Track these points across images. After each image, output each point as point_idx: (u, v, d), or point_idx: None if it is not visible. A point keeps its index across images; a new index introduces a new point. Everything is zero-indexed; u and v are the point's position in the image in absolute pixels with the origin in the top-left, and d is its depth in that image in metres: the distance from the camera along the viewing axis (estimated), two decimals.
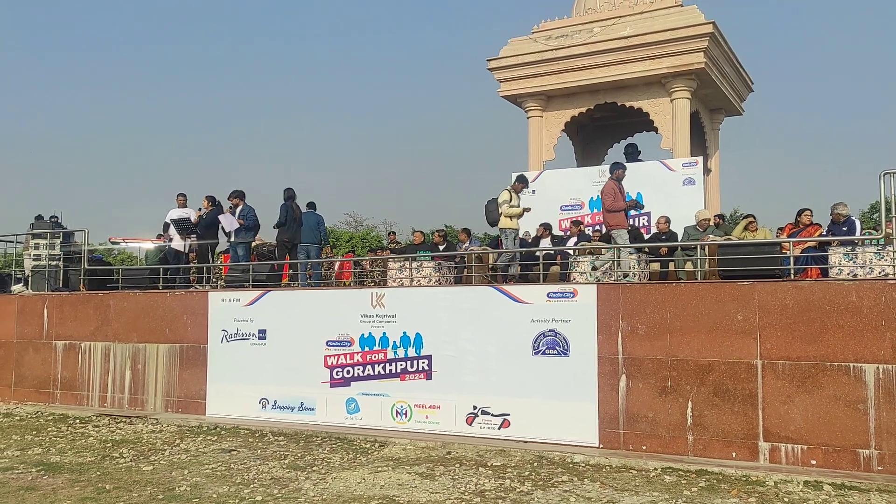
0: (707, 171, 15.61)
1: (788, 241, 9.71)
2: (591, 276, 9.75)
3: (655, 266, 11.03)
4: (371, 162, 71.55)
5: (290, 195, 12.58)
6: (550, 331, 9.13)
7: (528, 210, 11.62)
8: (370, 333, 10.23)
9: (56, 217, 14.21)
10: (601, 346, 8.83)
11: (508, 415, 9.28)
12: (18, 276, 14.21)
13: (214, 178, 68.18)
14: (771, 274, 8.78)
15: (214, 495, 6.64)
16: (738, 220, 12.22)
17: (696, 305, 8.42)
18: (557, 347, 9.08)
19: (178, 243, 13.37)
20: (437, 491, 6.78)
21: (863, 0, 68.97)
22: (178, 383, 11.53)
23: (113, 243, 25.36)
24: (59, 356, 12.54)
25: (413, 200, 65.55)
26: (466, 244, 13.84)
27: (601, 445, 8.69)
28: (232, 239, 12.60)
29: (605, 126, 17.28)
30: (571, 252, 10.86)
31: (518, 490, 6.83)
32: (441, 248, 13.63)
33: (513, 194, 11.29)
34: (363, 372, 10.24)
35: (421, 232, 15.51)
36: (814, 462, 7.71)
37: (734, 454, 8.06)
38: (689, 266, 10.89)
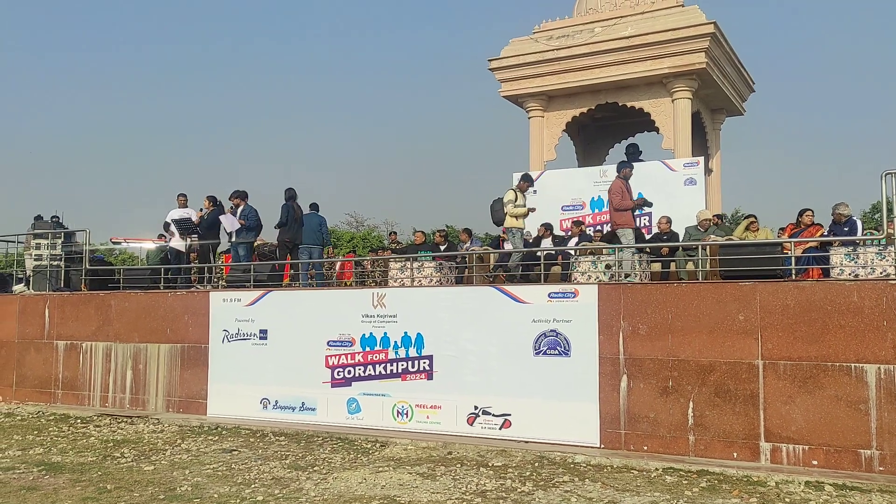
0: (708, 171, 15.62)
1: (790, 242, 9.70)
2: (604, 275, 9.67)
3: (657, 266, 11.03)
4: (371, 162, 71.64)
5: (291, 195, 12.59)
6: (552, 331, 9.13)
7: (532, 210, 11.62)
8: (371, 333, 10.23)
9: (57, 217, 14.23)
10: (602, 346, 8.83)
11: (509, 415, 9.28)
12: (20, 276, 14.22)
13: (215, 178, 68.27)
14: (772, 274, 8.77)
15: (215, 495, 6.64)
16: (740, 221, 12.21)
17: (697, 305, 8.41)
18: (558, 347, 9.08)
19: (177, 242, 13.38)
20: (439, 491, 6.78)
21: (863, 0, 68.96)
22: (180, 383, 11.54)
23: (114, 243, 25.37)
24: (61, 356, 12.55)
25: (414, 201, 65.61)
26: (467, 244, 13.85)
27: (602, 446, 8.69)
28: (233, 239, 12.60)
29: (606, 126, 17.29)
30: (572, 252, 10.86)
31: (519, 490, 6.83)
32: (442, 248, 13.63)
33: (518, 194, 11.27)
34: (364, 372, 10.24)
35: (422, 232, 15.53)
36: (815, 462, 7.71)
37: (735, 454, 8.05)
38: (690, 266, 10.88)
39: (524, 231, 11.81)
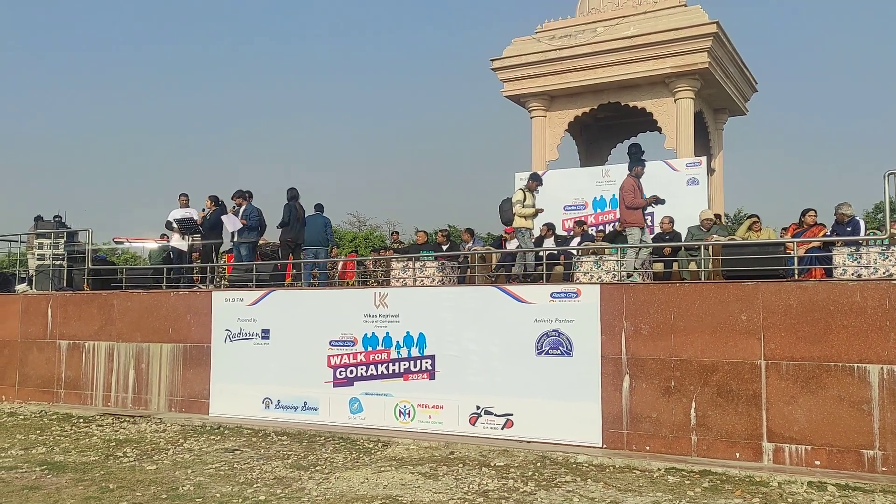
0: (711, 171, 15.60)
1: (792, 242, 9.69)
2: (615, 272, 9.61)
3: (659, 266, 11.01)
4: (372, 162, 71.67)
5: (293, 195, 12.61)
6: (554, 331, 9.12)
7: (541, 211, 11.54)
8: (373, 333, 10.23)
9: (60, 217, 14.26)
10: (605, 346, 8.82)
11: (512, 415, 9.28)
12: (22, 275, 14.25)
13: (215, 178, 68.36)
14: (775, 274, 8.75)
15: (218, 495, 6.64)
16: (742, 221, 12.19)
17: (699, 305, 8.40)
18: (561, 347, 9.07)
19: (177, 242, 13.39)
20: (441, 491, 6.78)
21: (863, 0, 68.85)
22: (182, 383, 11.55)
23: (117, 243, 25.44)
24: (63, 356, 12.57)
25: (415, 200, 65.66)
26: (470, 244, 13.85)
27: (604, 446, 8.68)
28: (235, 239, 12.61)
29: (608, 126, 17.28)
30: (575, 252, 10.84)
31: (521, 490, 6.82)
32: (444, 247, 13.62)
33: (527, 193, 11.16)
34: (366, 372, 10.24)
35: (424, 232, 15.54)
36: (818, 463, 7.69)
37: (738, 455, 8.04)
38: (692, 266, 10.87)
39: (532, 231, 11.75)
